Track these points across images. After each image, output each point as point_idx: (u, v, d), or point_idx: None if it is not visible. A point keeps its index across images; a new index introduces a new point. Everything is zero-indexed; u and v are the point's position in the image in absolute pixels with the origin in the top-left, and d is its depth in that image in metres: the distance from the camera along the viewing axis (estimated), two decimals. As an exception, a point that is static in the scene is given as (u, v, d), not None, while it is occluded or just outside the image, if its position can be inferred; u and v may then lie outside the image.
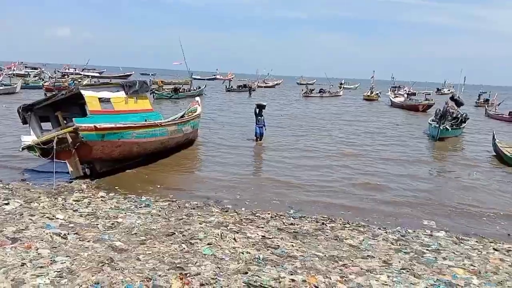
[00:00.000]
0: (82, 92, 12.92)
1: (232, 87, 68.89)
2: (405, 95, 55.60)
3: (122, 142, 12.93)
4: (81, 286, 5.84)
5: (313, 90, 65.16)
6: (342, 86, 78.39)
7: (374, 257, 7.63)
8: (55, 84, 45.86)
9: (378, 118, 35.22)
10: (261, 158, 17.40)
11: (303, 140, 21.51)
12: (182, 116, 19.15)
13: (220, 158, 16.63)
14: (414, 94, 56.88)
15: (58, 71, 67.50)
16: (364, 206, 11.36)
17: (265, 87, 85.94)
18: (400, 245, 8.44)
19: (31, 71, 70.37)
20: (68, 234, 7.79)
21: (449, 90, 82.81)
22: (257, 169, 15.44)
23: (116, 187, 11.88)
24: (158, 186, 12.22)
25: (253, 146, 19.39)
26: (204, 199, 11.20)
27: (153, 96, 42.15)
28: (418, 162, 17.45)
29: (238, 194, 11.80)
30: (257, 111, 20.30)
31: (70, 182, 12.10)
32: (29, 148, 12.51)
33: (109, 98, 13.96)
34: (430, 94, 56.09)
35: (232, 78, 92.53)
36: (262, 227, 8.90)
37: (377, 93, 62.70)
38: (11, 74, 58.68)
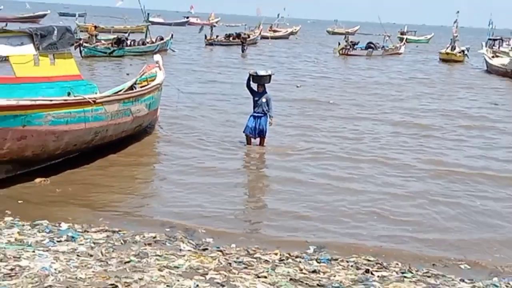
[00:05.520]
0: None
1: (216, 37, 44.70)
2: None
3: (28, 131, 8.25)
4: None
5: (356, 44, 42.14)
6: (405, 37, 54.21)
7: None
8: None
9: (470, 95, 23.13)
10: (262, 174, 10.45)
11: (337, 140, 12.93)
12: (132, 88, 12.41)
13: (194, 161, 10.51)
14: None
15: None
16: (445, 237, 7.35)
17: (272, 37, 57.82)
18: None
19: None
20: None
21: None
22: (256, 191, 9.65)
23: (15, 208, 7.46)
24: (90, 207, 7.83)
25: (247, 152, 11.43)
26: (166, 228, 7.09)
27: (82, 52, 27.69)
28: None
29: (225, 222, 7.55)
30: (255, 87, 11.47)
31: None
32: None
33: (6, 57, 9.47)
34: None
35: (216, 22, 65.98)
36: (265, 277, 5.50)
37: (463, 50, 39.78)
38: None
